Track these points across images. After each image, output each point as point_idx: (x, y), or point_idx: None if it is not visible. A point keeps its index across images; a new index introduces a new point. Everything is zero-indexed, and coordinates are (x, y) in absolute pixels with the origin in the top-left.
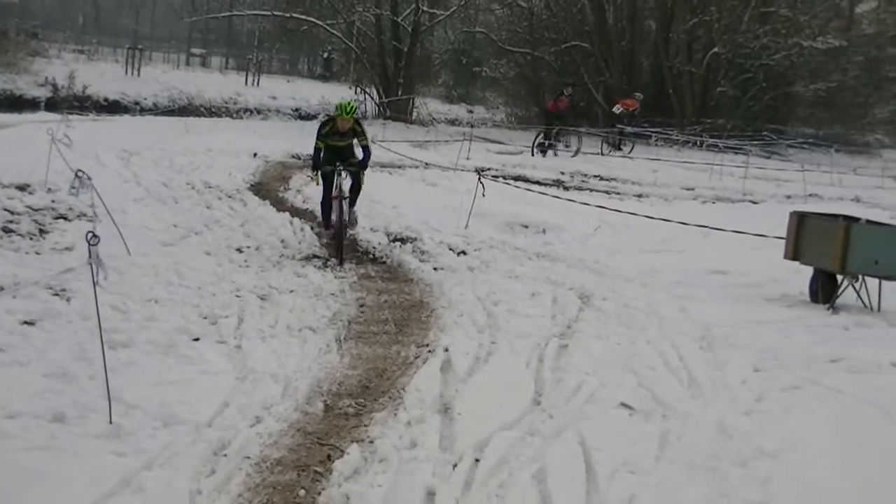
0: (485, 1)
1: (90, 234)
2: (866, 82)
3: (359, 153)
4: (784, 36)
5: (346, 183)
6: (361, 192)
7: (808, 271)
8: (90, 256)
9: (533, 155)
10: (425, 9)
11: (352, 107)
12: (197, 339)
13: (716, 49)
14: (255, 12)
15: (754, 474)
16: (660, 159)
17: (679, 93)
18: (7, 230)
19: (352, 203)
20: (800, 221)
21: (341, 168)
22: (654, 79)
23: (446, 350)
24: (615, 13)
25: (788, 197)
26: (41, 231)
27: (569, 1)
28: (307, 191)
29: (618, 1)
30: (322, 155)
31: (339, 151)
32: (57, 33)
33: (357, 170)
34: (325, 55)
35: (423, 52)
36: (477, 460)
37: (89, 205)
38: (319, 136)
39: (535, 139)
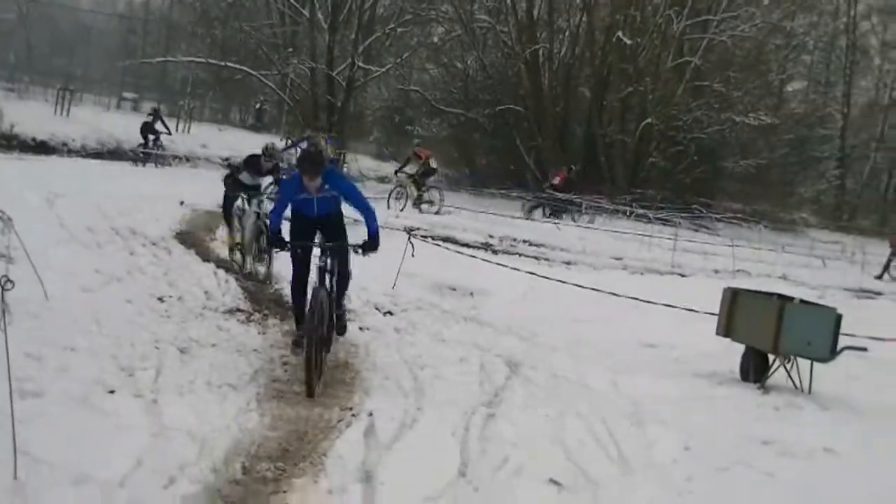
0: (420, 60)
1: (4, 278)
2: (794, 161)
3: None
4: (717, 111)
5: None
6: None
7: (737, 348)
8: (1, 300)
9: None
10: (361, 65)
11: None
12: (112, 392)
13: (649, 120)
14: (190, 59)
15: None
16: (589, 227)
17: (611, 161)
18: None
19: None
20: (733, 298)
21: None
22: (586, 146)
23: (370, 414)
24: (550, 79)
25: (717, 271)
26: None
27: (504, 64)
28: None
29: (554, 67)
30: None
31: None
32: None
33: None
34: (258, 106)
35: (356, 108)
36: None
37: (7, 246)
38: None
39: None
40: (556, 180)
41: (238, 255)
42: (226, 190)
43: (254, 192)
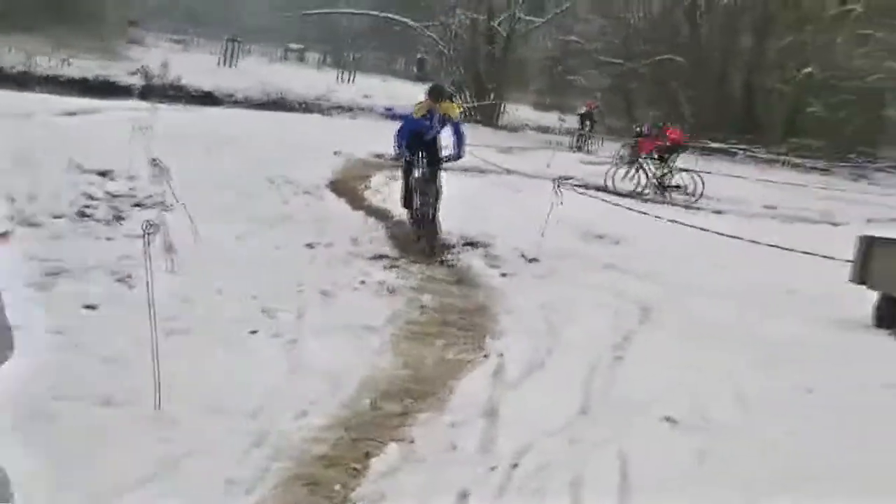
0: (582, 10)
1: (146, 223)
2: None
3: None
4: (879, 59)
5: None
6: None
7: (874, 295)
8: (144, 244)
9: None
10: (522, 16)
11: None
12: (254, 332)
13: (809, 68)
14: (349, 11)
15: (796, 495)
16: (741, 177)
17: (768, 110)
18: (83, 215)
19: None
20: (868, 245)
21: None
22: (744, 95)
23: (501, 355)
24: (709, 26)
25: (869, 221)
26: (117, 217)
27: (665, 13)
28: (386, 190)
29: (713, 15)
30: None
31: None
32: (155, 22)
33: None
34: (419, 56)
35: (516, 59)
36: (515, 465)
37: (163, 192)
38: None
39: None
40: None
41: None
42: None
43: None
